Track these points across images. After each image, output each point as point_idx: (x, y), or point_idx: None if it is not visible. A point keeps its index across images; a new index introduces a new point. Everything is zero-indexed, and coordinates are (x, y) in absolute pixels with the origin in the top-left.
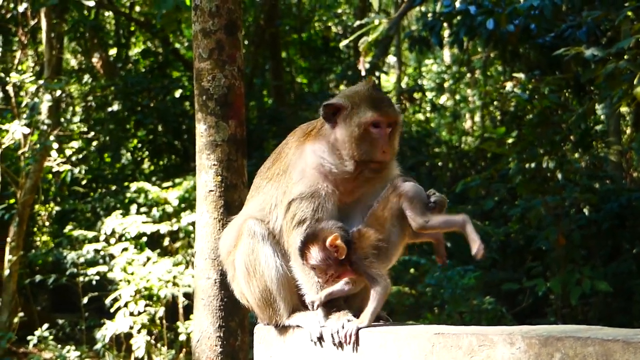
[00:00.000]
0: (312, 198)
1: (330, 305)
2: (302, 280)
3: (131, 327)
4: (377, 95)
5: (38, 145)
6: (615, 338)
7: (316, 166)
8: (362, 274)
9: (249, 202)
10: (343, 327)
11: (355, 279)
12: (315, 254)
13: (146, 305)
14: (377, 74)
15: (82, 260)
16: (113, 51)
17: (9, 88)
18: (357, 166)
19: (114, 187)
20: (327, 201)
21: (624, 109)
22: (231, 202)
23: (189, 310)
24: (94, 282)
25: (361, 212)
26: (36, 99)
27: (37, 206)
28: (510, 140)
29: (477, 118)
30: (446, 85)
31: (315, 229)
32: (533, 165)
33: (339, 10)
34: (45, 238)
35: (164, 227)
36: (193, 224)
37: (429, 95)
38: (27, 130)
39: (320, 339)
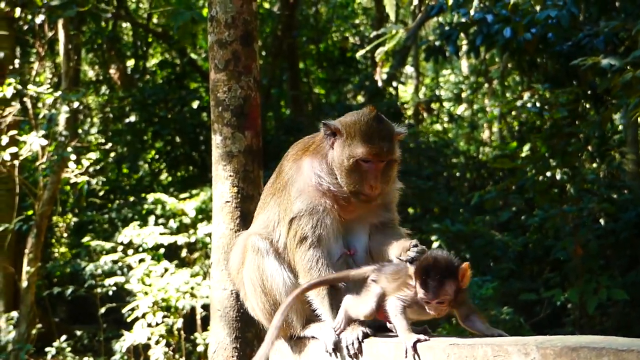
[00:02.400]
0: (311, 215)
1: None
2: (312, 296)
3: (149, 338)
4: (374, 128)
5: (55, 157)
6: (630, 348)
7: (313, 183)
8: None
9: (255, 219)
10: (358, 338)
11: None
12: (449, 288)
13: (164, 317)
14: (394, 84)
15: (99, 271)
16: (130, 62)
17: (27, 100)
18: (355, 196)
19: (131, 199)
20: (326, 217)
21: None
22: (247, 213)
23: (207, 321)
24: (111, 293)
25: (363, 228)
26: (54, 111)
27: (55, 217)
28: (524, 154)
29: (495, 128)
30: (464, 95)
31: (442, 263)
32: (548, 175)
33: (357, 21)
34: (63, 249)
35: (181, 239)
36: (210, 235)
37: (447, 105)
38: (44, 142)
39: (335, 350)
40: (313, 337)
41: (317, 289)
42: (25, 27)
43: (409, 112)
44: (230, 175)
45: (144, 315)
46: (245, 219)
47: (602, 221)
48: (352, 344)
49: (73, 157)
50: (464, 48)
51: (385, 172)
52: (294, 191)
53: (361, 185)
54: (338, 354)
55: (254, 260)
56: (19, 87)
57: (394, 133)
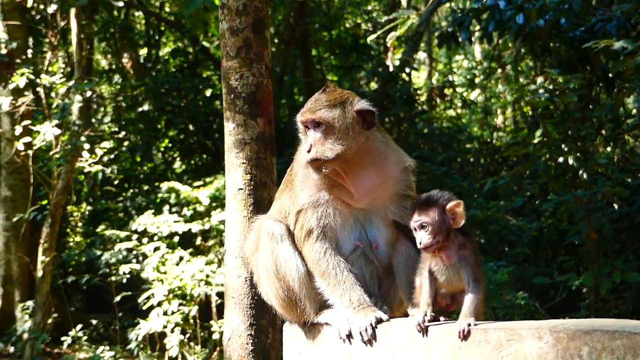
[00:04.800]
0: (314, 208)
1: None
2: (323, 286)
3: (165, 327)
4: (315, 97)
5: (69, 146)
6: None
7: (310, 174)
8: (466, 268)
9: (274, 204)
10: (372, 324)
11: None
12: (432, 214)
13: (179, 305)
14: (407, 70)
15: (114, 260)
16: (143, 51)
17: (40, 89)
18: (307, 168)
19: (145, 187)
20: (328, 207)
21: None
22: (261, 200)
23: (222, 308)
24: (126, 282)
25: (383, 221)
26: (67, 100)
27: (69, 207)
28: (537, 140)
29: (508, 113)
30: (477, 80)
31: (437, 194)
32: (561, 160)
33: (369, 8)
34: (78, 238)
35: (196, 226)
36: (224, 222)
37: (460, 91)
38: (58, 132)
39: (350, 336)
40: (327, 324)
41: (327, 280)
42: (38, 17)
43: (422, 98)
44: (243, 163)
45: (159, 304)
46: (258, 206)
47: (615, 205)
48: (366, 330)
49: (87, 146)
50: (477, 34)
51: (323, 138)
52: (298, 184)
53: (303, 153)
54: (352, 340)
55: (268, 246)
56: (32, 77)
57: (335, 100)
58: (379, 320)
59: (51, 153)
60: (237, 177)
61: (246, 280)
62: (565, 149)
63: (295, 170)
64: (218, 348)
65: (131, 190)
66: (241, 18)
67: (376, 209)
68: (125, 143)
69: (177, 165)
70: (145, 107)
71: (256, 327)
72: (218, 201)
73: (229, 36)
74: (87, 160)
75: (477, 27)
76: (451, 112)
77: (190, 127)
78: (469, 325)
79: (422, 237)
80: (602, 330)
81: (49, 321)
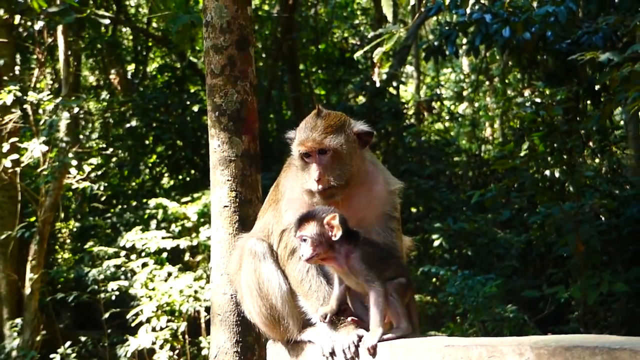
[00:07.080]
0: None
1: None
2: (306, 305)
3: (154, 343)
4: (309, 122)
5: (57, 163)
6: (623, 347)
7: (298, 195)
8: (359, 275)
9: (257, 222)
10: (354, 342)
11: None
12: (311, 228)
13: (168, 321)
14: (394, 84)
15: (102, 276)
16: (130, 67)
17: (27, 106)
18: (311, 195)
19: (134, 203)
20: None
21: None
22: (246, 218)
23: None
24: (113, 298)
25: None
26: (54, 117)
27: (57, 224)
28: (523, 153)
29: (496, 126)
30: (465, 93)
31: (317, 209)
32: (547, 174)
33: (356, 22)
34: (66, 255)
35: (184, 242)
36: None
37: (448, 104)
38: (45, 148)
39: (332, 354)
40: (310, 341)
41: (310, 300)
42: (25, 34)
43: (410, 112)
44: (228, 180)
45: (148, 320)
46: (244, 224)
47: (603, 217)
48: (349, 347)
49: (74, 162)
50: (464, 47)
51: (330, 165)
52: (284, 203)
53: (309, 182)
54: (335, 358)
55: (250, 264)
56: (19, 94)
57: (335, 125)
58: (362, 338)
59: (39, 170)
60: (223, 195)
61: (232, 298)
62: (552, 162)
63: (282, 190)
64: None
65: (119, 207)
66: (225, 36)
67: (362, 229)
68: (113, 159)
69: (165, 181)
70: (133, 123)
71: (242, 344)
72: (206, 217)
73: (213, 54)
74: (74, 177)
75: (464, 41)
76: (439, 125)
77: (178, 142)
78: (377, 340)
79: (304, 250)
80: (582, 346)
81: (38, 338)
